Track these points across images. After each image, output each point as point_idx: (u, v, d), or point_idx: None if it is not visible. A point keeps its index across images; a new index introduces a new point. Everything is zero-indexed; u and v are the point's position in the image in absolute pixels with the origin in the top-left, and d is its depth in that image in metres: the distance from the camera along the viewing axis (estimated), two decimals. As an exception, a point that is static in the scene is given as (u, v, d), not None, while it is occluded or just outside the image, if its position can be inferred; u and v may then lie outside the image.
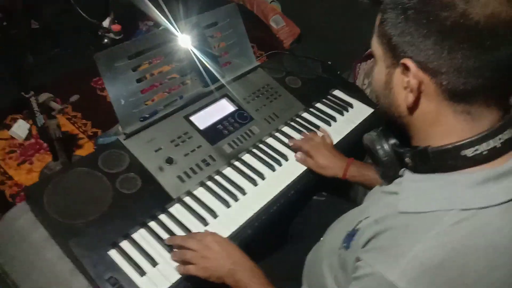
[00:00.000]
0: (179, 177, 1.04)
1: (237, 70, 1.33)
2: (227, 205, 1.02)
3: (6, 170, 1.35)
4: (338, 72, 1.57)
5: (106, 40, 1.24)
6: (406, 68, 0.56)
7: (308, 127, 1.28)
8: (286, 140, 1.22)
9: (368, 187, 0.98)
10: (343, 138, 1.27)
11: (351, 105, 1.37)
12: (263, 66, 1.40)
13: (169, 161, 1.05)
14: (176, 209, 1.00)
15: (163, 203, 0.99)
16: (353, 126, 1.31)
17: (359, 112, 1.37)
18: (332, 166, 1.10)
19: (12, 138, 1.42)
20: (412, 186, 0.60)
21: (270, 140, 1.22)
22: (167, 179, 1.03)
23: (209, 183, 1.07)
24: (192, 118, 1.17)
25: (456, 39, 0.51)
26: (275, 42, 2.21)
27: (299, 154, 1.16)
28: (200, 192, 1.05)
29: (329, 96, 1.41)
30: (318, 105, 1.37)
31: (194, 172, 1.06)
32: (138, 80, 1.09)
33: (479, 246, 0.51)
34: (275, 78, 1.38)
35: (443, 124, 0.57)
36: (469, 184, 0.54)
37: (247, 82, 1.32)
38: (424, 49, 0.53)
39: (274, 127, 1.25)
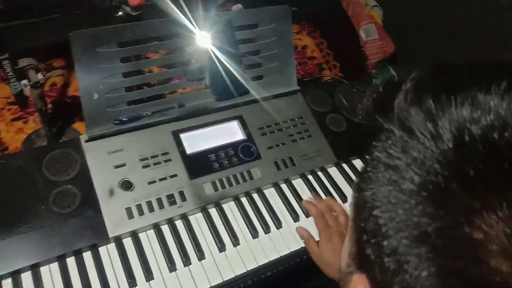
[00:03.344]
0: (129, 211, 0.81)
1: (268, 89, 1.04)
2: (173, 268, 0.78)
3: (-3, 122, 1.23)
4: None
5: (120, 13, 1.03)
6: None
7: (329, 189, 0.97)
8: (291, 198, 0.93)
9: None
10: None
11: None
12: (306, 92, 1.09)
13: (126, 185, 0.83)
14: (107, 251, 0.78)
15: (95, 238, 0.78)
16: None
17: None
18: (337, 267, 0.77)
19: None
20: None
21: (270, 192, 0.94)
22: (112, 209, 0.80)
23: (165, 229, 0.83)
24: (182, 136, 0.92)
25: None
26: (358, 56, 1.87)
27: (302, 230, 0.85)
28: (148, 237, 0.81)
29: (376, 154, 1.07)
30: (356, 162, 1.04)
31: (151, 209, 0.83)
32: (126, 75, 0.87)
33: None
34: (314, 111, 1.07)
35: None
36: None
37: (275, 108, 1.03)
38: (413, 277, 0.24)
39: (283, 176, 0.96)
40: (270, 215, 0.89)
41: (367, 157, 0.30)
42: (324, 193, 0.96)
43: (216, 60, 0.95)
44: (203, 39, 0.93)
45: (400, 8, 1.84)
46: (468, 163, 0.22)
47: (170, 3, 0.88)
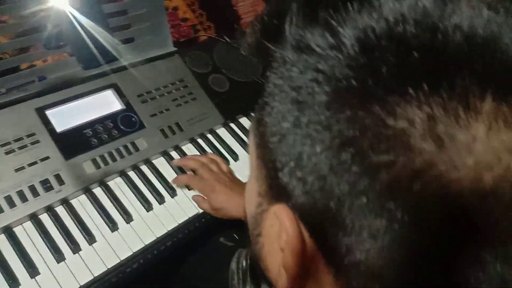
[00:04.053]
0: (-5, 205, 0.70)
1: (142, 53, 0.97)
2: (60, 258, 0.70)
3: None
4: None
5: None
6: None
7: (220, 150, 0.96)
8: (183, 164, 0.90)
9: None
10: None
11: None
12: (183, 53, 1.05)
13: (-13, 176, 0.71)
14: (-26, 255, 0.67)
15: (-45, 243, 0.66)
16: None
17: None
18: (229, 206, 0.80)
19: None
20: None
21: (160, 162, 0.89)
22: (-27, 206, 0.69)
23: (44, 218, 0.74)
24: (48, 112, 0.82)
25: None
26: (231, 15, 1.85)
27: (196, 196, 0.85)
28: (25, 230, 0.71)
29: (260, 110, 1.08)
30: (243, 120, 1.05)
31: (24, 199, 0.72)
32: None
33: None
34: (195, 73, 1.04)
35: None
36: None
37: (152, 72, 0.97)
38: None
39: (172, 143, 0.92)
40: (162, 185, 0.85)
41: (264, 90, 0.28)
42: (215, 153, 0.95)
43: (76, 23, 0.84)
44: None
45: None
46: (378, 60, 0.22)
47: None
